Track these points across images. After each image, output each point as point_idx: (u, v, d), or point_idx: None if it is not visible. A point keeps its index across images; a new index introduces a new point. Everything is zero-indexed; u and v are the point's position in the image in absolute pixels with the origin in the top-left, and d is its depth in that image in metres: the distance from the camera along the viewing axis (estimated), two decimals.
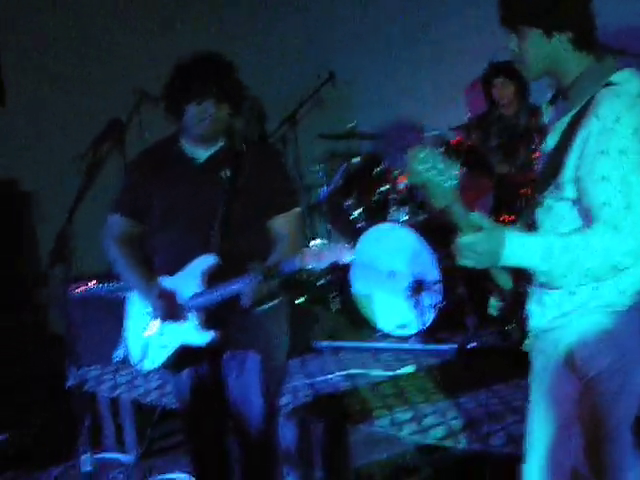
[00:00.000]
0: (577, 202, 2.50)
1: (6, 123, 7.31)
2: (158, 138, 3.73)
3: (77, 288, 5.30)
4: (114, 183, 3.85)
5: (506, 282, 2.66)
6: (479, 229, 2.47)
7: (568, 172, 2.49)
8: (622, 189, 2.37)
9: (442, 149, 2.49)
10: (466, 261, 2.47)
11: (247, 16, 8.60)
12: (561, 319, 2.58)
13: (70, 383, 5.39)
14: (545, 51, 2.53)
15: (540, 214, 2.63)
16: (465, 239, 2.45)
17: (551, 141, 2.62)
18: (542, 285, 2.58)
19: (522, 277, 2.61)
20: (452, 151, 5.40)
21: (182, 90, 3.43)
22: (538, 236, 2.52)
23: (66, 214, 3.53)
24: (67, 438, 4.83)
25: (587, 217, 2.47)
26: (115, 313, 3.83)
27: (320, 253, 3.15)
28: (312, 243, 3.19)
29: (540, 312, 2.63)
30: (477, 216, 2.50)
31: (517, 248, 2.43)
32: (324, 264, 3.16)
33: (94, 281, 5.43)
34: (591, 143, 2.42)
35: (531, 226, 2.65)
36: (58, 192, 6.89)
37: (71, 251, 3.69)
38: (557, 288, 2.54)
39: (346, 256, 3.17)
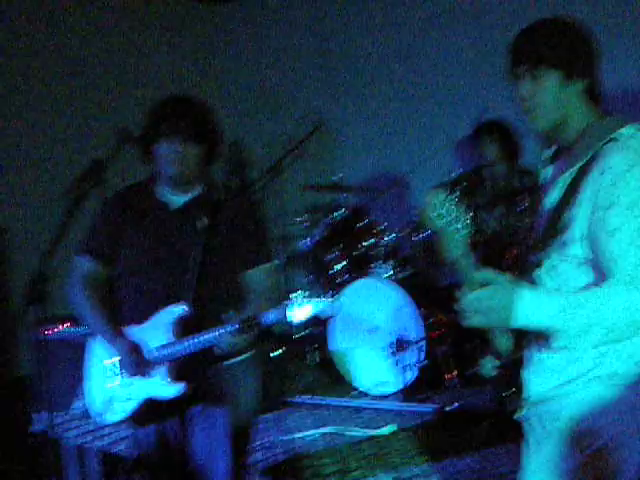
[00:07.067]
0: (586, 261, 2.39)
1: None
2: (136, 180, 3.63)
3: (49, 330, 5.14)
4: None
5: (504, 343, 2.51)
6: (485, 285, 2.32)
7: (576, 229, 2.38)
8: (636, 243, 2.27)
9: (458, 192, 2.33)
10: (473, 320, 2.31)
11: (234, 62, 8.61)
12: (562, 388, 2.45)
13: (35, 428, 5.26)
14: (561, 97, 2.45)
15: (541, 274, 2.50)
16: (471, 296, 2.31)
17: (552, 197, 2.52)
18: (550, 347, 2.44)
19: (523, 339, 2.47)
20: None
21: (152, 127, 3.37)
22: (551, 293, 2.37)
23: (38, 251, 3.40)
24: None
25: (601, 274, 2.35)
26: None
27: (301, 306, 3.05)
28: (293, 295, 3.08)
29: (539, 380, 2.49)
30: (489, 272, 2.33)
31: (530, 305, 2.27)
32: (305, 317, 3.07)
33: (67, 323, 5.27)
34: (601, 197, 2.33)
35: None
36: (31, 229, 6.82)
37: (47, 291, 3.56)
38: (574, 348, 2.40)
39: (329, 310, 3.08)
